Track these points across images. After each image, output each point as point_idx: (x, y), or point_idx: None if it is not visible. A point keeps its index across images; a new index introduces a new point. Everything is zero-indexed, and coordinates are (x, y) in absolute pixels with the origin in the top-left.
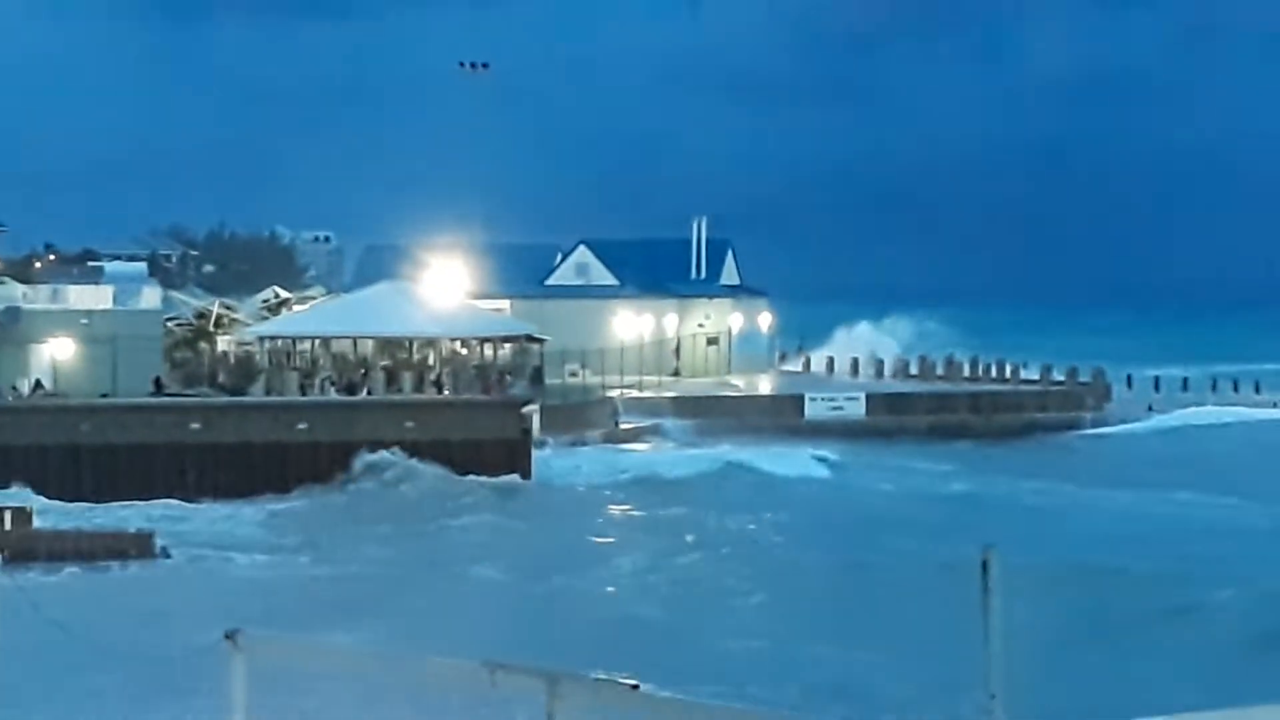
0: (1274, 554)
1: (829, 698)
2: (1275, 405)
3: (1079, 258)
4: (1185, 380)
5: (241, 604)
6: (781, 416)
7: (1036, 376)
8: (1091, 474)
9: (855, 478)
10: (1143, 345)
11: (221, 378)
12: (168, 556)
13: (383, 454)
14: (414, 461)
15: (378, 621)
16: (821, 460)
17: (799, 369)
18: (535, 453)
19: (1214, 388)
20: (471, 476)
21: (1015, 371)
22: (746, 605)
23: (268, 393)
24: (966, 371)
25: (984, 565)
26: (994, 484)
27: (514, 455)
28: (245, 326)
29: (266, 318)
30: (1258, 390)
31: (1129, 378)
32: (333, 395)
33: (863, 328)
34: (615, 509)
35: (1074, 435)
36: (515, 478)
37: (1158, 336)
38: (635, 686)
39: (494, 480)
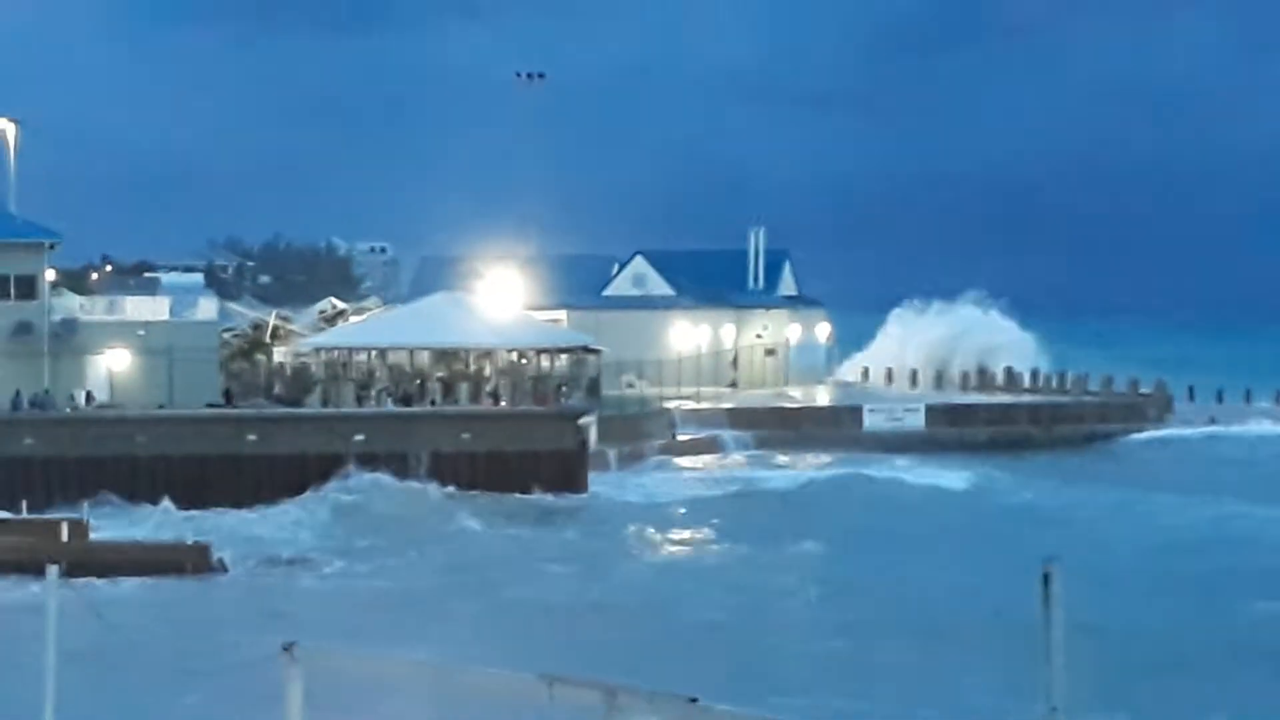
0: None
1: None
2: None
3: (1143, 268)
4: (1249, 392)
5: (300, 615)
6: (840, 428)
7: (1098, 388)
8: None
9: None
10: (1208, 355)
11: (278, 389)
12: (225, 569)
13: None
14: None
15: (443, 634)
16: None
17: (855, 379)
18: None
19: (1278, 399)
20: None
21: (1077, 383)
22: None
23: (324, 404)
24: (1027, 382)
25: (1045, 578)
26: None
27: (570, 468)
28: (301, 338)
29: (323, 329)
30: None
31: (1190, 389)
32: (389, 407)
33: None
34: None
35: (1138, 440)
36: (572, 496)
37: (1223, 348)
38: (694, 700)
39: (549, 500)
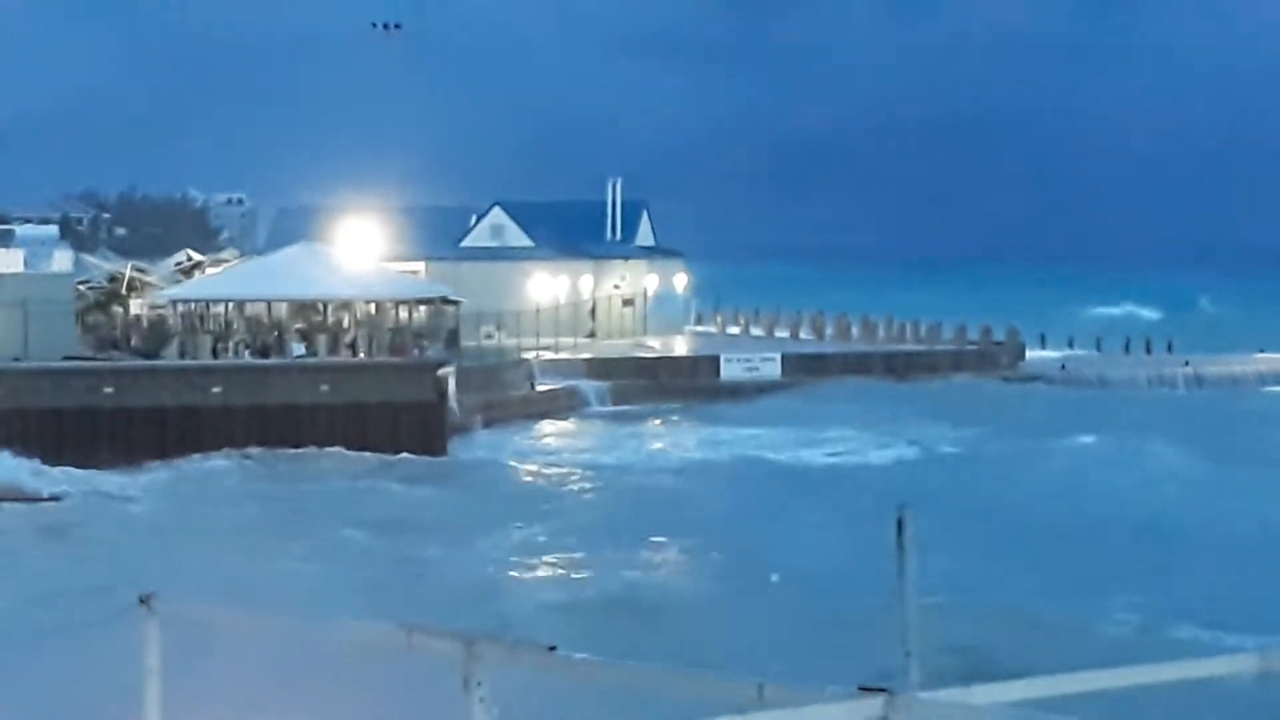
0: None
1: None
2: (1186, 364)
3: (990, 216)
4: (1099, 341)
5: (152, 568)
6: (698, 377)
7: (951, 336)
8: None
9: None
10: (1062, 301)
11: (134, 341)
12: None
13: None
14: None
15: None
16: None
17: (714, 330)
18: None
19: (1126, 349)
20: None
21: (931, 331)
22: None
23: (181, 356)
24: (882, 332)
25: (899, 524)
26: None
27: (429, 419)
28: (158, 290)
29: (179, 281)
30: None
31: (1043, 336)
32: (247, 359)
33: None
34: None
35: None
36: (431, 460)
37: (1077, 296)
38: (552, 648)
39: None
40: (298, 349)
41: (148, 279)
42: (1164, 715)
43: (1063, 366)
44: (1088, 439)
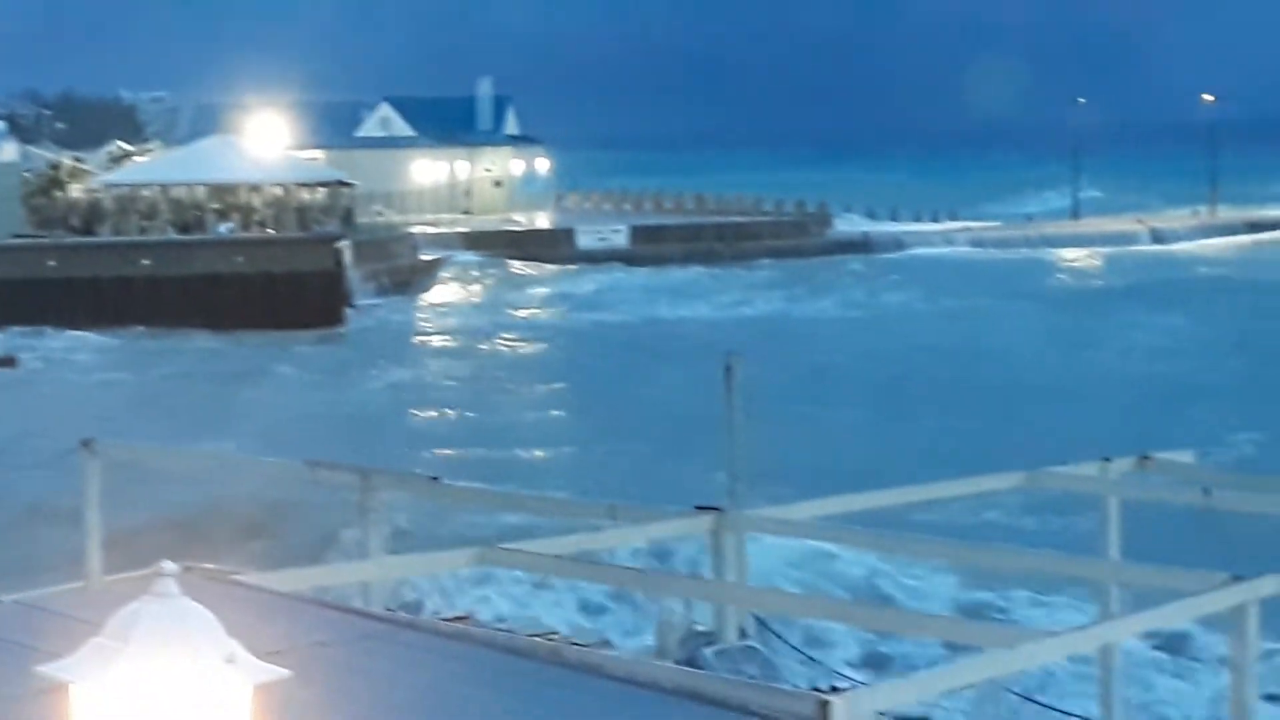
0: None
1: None
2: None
3: (820, 105)
4: (894, 210)
5: (96, 414)
6: (558, 247)
7: (771, 208)
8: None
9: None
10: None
11: (73, 221)
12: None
13: None
14: None
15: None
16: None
17: (571, 206)
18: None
19: (917, 219)
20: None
21: (755, 203)
22: None
23: (114, 234)
24: (713, 206)
25: (727, 370)
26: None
27: (328, 285)
28: (94, 176)
29: (112, 169)
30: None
31: (848, 207)
32: (171, 235)
33: None
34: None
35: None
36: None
37: (873, 174)
38: (435, 479)
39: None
40: (223, 227)
41: (85, 167)
42: (957, 510)
43: (865, 234)
44: (896, 297)
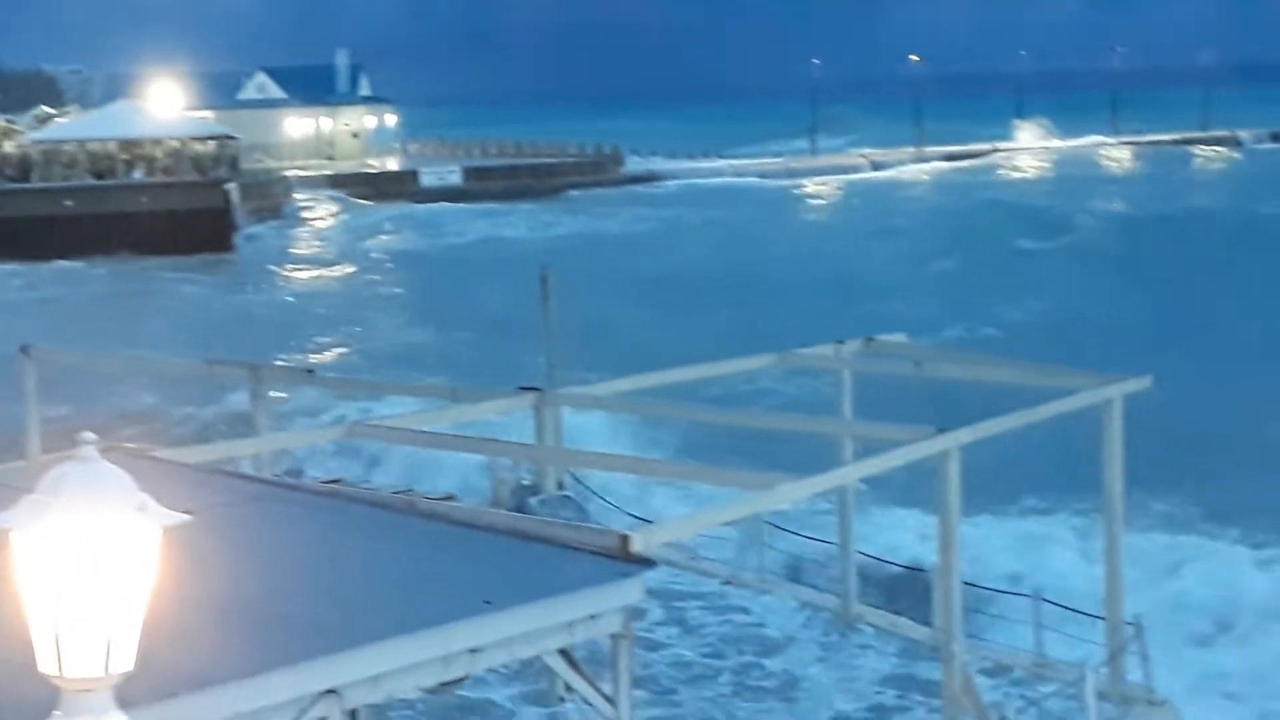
0: None
1: None
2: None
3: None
4: (671, 151)
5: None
6: (405, 185)
7: (575, 150)
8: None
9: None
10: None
11: (8, 171)
12: None
13: None
14: None
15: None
16: None
17: (415, 153)
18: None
19: (691, 156)
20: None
21: (558, 147)
22: None
23: (42, 181)
24: (530, 150)
25: (543, 279)
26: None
27: (218, 218)
28: (23, 135)
29: (38, 128)
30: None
31: (636, 151)
32: (89, 181)
33: None
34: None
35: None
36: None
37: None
38: (310, 370)
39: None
40: (137, 174)
41: (15, 127)
42: (732, 382)
43: (649, 170)
44: (673, 212)
